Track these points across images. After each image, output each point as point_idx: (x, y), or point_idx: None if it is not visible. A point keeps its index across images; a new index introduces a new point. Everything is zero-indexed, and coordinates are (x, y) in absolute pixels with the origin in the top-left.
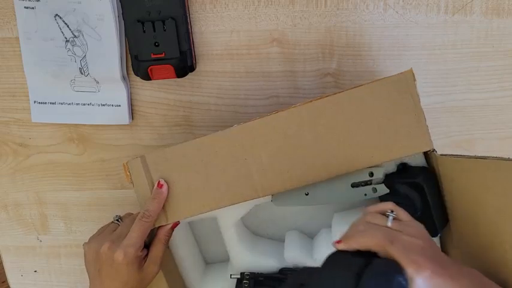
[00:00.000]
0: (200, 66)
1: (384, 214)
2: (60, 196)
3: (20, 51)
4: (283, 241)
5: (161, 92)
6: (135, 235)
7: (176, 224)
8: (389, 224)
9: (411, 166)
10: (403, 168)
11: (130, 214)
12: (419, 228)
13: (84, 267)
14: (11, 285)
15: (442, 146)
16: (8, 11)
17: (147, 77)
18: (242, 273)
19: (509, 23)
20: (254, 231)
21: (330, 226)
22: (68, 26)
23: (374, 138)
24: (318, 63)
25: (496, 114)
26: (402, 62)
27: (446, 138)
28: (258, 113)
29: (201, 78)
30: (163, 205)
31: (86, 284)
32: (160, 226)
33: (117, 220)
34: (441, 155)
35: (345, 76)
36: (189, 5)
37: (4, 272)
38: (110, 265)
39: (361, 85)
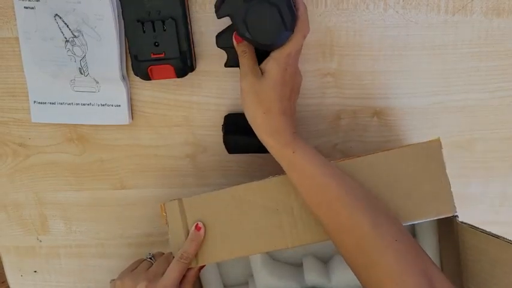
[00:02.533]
0: (200, 66)
1: None
2: (60, 196)
3: (19, 51)
4: (297, 265)
5: (161, 92)
6: (174, 275)
7: (202, 267)
8: None
9: None
10: None
11: (161, 253)
12: None
13: (84, 267)
14: (10, 285)
15: (442, 146)
16: (7, 11)
17: (146, 77)
18: None
19: (509, 23)
20: (271, 255)
21: None
22: (67, 26)
23: (400, 200)
24: (318, 63)
25: (496, 114)
26: (402, 62)
27: (446, 138)
28: None
29: (201, 78)
30: None
31: (85, 284)
32: (189, 268)
33: (150, 258)
34: (461, 222)
35: (345, 76)
36: (189, 5)
37: (4, 272)
38: None
39: (391, 149)
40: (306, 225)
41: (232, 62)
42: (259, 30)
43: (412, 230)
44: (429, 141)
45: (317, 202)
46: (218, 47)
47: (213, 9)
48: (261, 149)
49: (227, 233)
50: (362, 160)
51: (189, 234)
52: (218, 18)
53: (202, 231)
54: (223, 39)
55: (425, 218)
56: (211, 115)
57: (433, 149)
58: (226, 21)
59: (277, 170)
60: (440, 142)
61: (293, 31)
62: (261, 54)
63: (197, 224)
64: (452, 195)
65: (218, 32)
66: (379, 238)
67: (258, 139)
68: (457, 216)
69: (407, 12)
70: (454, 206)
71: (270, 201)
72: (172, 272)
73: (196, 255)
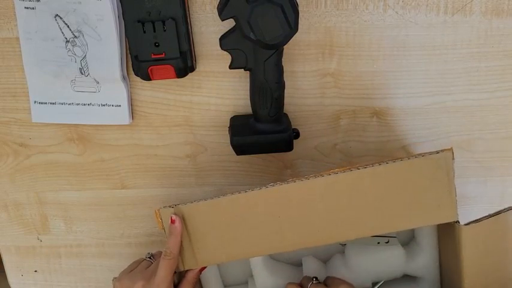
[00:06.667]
0: (200, 66)
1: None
2: (60, 196)
3: (20, 51)
4: (297, 265)
5: (161, 92)
6: (161, 273)
7: (203, 268)
8: None
9: None
10: None
11: (161, 253)
12: None
13: (85, 267)
14: (11, 285)
15: (442, 146)
16: (8, 11)
17: (147, 77)
18: None
19: (509, 23)
20: (271, 255)
21: (341, 251)
22: (68, 26)
23: (403, 206)
24: (318, 63)
25: (496, 114)
26: (402, 62)
27: (446, 138)
28: None
29: (201, 78)
30: (193, 250)
31: (86, 284)
32: (189, 269)
33: (149, 258)
34: (464, 224)
35: (345, 76)
36: (189, 5)
37: (4, 271)
38: None
39: (401, 159)
40: (307, 231)
41: (237, 63)
42: (264, 31)
43: (412, 231)
44: (441, 151)
45: None
46: (222, 49)
47: (214, 10)
48: (268, 149)
49: (226, 237)
50: (371, 171)
51: (168, 230)
52: (222, 20)
53: (177, 223)
54: (227, 41)
55: (426, 224)
56: (211, 115)
57: (445, 159)
58: (226, 22)
59: (277, 169)
60: (453, 152)
61: (297, 30)
62: (261, 58)
63: (171, 217)
64: (456, 203)
65: (219, 32)
66: None
67: (265, 139)
68: (458, 222)
69: (407, 13)
70: (457, 213)
71: (272, 208)
72: (160, 270)
73: (196, 258)
